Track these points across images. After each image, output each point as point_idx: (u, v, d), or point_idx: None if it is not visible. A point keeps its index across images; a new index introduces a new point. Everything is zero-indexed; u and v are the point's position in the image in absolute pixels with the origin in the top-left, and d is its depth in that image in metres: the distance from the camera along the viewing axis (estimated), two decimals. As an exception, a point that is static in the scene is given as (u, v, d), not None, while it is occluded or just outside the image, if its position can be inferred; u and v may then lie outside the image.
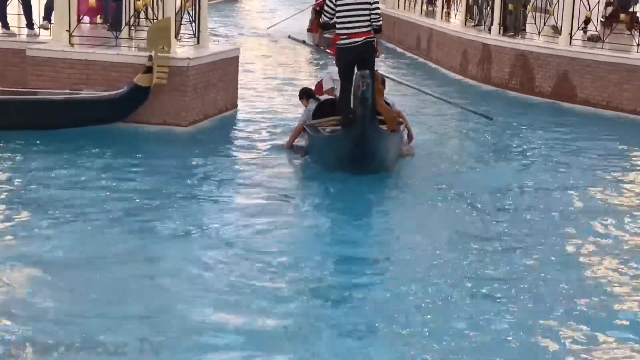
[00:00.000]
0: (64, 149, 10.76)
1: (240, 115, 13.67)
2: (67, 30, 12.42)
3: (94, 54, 12.17)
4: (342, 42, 10.17)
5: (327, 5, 10.27)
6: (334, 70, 11.09)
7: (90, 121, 11.67)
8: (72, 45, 12.43)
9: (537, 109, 15.50)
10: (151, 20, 12.92)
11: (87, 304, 6.31)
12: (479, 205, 9.25)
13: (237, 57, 13.99)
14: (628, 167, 11.44)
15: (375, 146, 9.91)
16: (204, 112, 12.55)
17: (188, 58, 12.03)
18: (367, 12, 10.11)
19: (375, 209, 9.36)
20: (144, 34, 12.74)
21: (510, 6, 17.64)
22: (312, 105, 11.45)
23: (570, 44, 15.85)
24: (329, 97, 11.42)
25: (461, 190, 9.74)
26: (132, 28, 13.19)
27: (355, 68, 9.90)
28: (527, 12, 17.89)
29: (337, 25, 10.21)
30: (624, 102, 14.67)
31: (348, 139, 9.73)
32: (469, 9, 20.17)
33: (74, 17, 12.59)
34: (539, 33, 16.91)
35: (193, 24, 13.14)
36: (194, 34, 13.10)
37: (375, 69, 10.30)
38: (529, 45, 16.76)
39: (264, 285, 6.77)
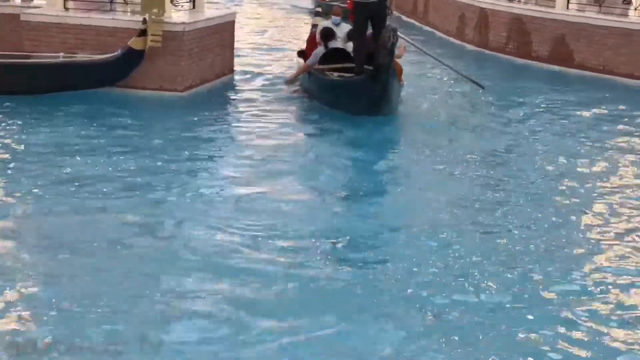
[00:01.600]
0: (59, 113, 10.81)
1: (236, 80, 13.65)
2: (61, -5, 12.40)
3: (89, 19, 12.14)
4: None
5: None
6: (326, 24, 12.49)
7: (86, 84, 11.68)
8: (66, 9, 12.40)
9: (531, 73, 15.48)
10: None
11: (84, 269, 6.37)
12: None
13: (233, 21, 13.95)
14: (615, 131, 11.47)
15: (392, 92, 11.17)
16: (200, 77, 12.53)
17: (184, 23, 12.00)
18: None
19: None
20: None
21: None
22: (321, 50, 12.22)
23: (567, 7, 15.80)
24: (338, 46, 12.24)
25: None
26: (127, -7, 13.13)
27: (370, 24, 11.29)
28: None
29: None
30: (620, 67, 14.66)
31: (372, 84, 10.79)
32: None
33: (69, -18, 12.55)
34: (536, -4, 16.88)
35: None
36: (190, -1, 13.06)
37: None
38: (525, 9, 16.71)
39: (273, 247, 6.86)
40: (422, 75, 14.67)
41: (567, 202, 8.38)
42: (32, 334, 5.37)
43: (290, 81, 12.89)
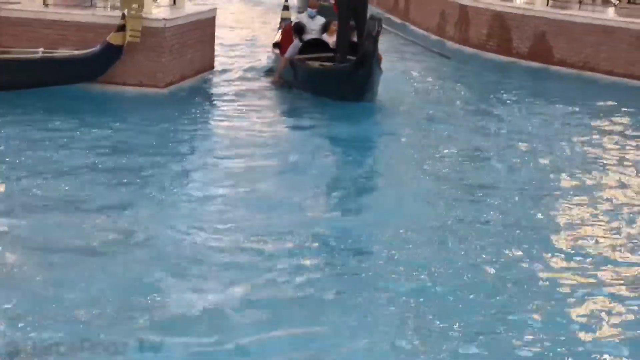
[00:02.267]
0: (37, 109, 10.75)
1: (217, 75, 13.63)
2: (42, -10, 12.33)
3: (69, 14, 12.08)
4: None
5: None
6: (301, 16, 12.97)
7: (65, 80, 11.62)
8: (46, 5, 12.33)
9: (511, 69, 15.53)
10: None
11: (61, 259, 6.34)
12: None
13: (214, 17, 13.91)
14: (593, 127, 11.53)
15: (376, 79, 11.68)
16: (180, 73, 12.49)
17: (164, 19, 11.95)
18: None
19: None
20: (119, -5, 12.66)
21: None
22: (298, 42, 12.71)
23: (547, 4, 15.86)
24: (313, 37, 12.79)
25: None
26: (108, -12, 13.08)
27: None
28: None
29: None
30: (601, 63, 14.72)
31: (359, 71, 11.29)
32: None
33: (49, -23, 12.49)
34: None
35: (170, -15, 13.05)
36: (171, -5, 13.02)
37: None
38: (506, 6, 16.75)
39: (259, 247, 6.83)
40: (399, 60, 14.79)
41: (544, 194, 8.47)
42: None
43: (276, 79, 13.08)
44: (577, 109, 12.44)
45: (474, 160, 9.63)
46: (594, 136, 10.97)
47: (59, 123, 10.17)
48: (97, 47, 11.60)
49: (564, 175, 9.17)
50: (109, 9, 12.52)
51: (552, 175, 9.10)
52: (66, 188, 7.95)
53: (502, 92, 13.67)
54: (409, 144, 10.25)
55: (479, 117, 11.82)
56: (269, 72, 13.78)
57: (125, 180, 8.30)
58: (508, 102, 12.96)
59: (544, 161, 9.67)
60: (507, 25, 16.46)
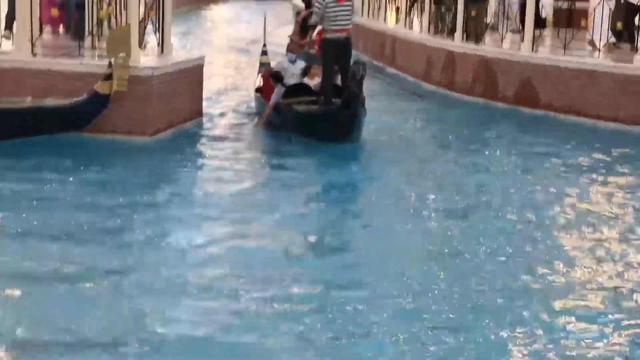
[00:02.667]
0: (24, 160, 10.72)
1: (205, 123, 13.67)
2: (29, 40, 12.34)
3: (57, 64, 12.12)
4: (330, 36, 12.37)
5: (318, 5, 12.30)
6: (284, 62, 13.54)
7: (51, 129, 11.60)
8: (34, 55, 12.36)
9: (497, 114, 15.61)
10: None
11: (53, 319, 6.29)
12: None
13: (202, 65, 13.97)
14: (580, 169, 11.58)
15: (361, 119, 12.15)
16: (168, 121, 12.52)
17: (152, 67, 12.01)
18: (350, 12, 12.43)
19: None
20: (107, 44, 12.71)
21: (472, 12, 17.77)
22: (281, 88, 13.02)
23: (532, 50, 15.98)
24: (296, 82, 13.21)
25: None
26: (95, 37, 13.13)
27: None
28: (490, 18, 18.01)
29: (326, 22, 12.35)
30: (587, 107, 14.78)
31: (345, 113, 11.74)
32: (431, 17, 20.21)
33: (37, 27, 12.52)
34: (502, 39, 17.05)
35: (157, 33, 13.09)
36: (158, 43, 13.06)
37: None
38: (491, 52, 16.88)
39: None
40: (385, 102, 14.97)
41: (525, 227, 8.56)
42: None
43: (263, 123, 13.30)
44: (562, 152, 12.48)
45: (459, 211, 9.55)
46: (581, 180, 10.97)
47: (46, 172, 10.14)
48: (84, 96, 11.61)
49: (553, 224, 9.12)
50: (97, 58, 12.56)
51: (540, 228, 9.01)
52: (52, 241, 7.90)
53: (487, 136, 13.72)
54: (396, 190, 10.23)
55: (464, 161, 11.86)
56: (253, 116, 14.01)
57: (111, 229, 8.27)
58: (494, 146, 13.01)
59: (531, 211, 9.62)
60: (492, 70, 16.58)
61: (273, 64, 14.70)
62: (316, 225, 8.83)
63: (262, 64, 15.58)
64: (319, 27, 12.93)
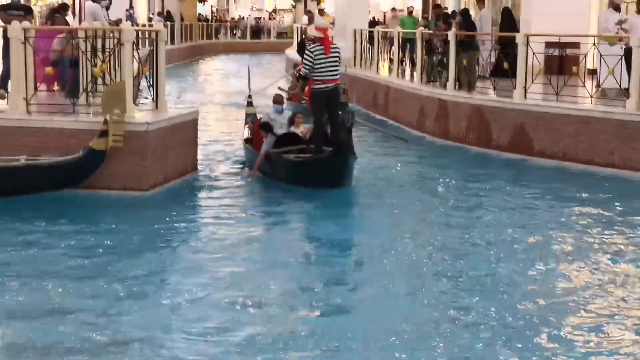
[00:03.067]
0: (21, 216, 10.71)
1: (201, 176, 13.68)
2: (24, 98, 12.40)
3: (52, 122, 12.17)
4: (318, 86, 12.84)
5: (307, 58, 12.77)
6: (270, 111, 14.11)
7: (48, 187, 11.61)
8: (29, 113, 12.41)
9: (491, 162, 15.64)
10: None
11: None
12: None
13: (196, 119, 14.02)
14: (575, 216, 11.57)
15: (352, 165, 12.61)
16: (164, 175, 12.53)
17: (147, 122, 12.04)
18: (337, 63, 12.91)
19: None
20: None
21: (464, 61, 17.89)
22: (271, 137, 13.42)
23: (524, 97, 16.07)
24: (285, 131, 13.72)
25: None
26: (90, 94, 13.19)
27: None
28: (481, 66, 18.14)
29: (315, 74, 12.81)
30: (580, 154, 14.84)
31: (336, 160, 12.24)
32: (423, 66, 20.33)
33: (31, 85, 12.59)
34: (494, 87, 17.16)
35: (151, 89, 13.15)
36: (153, 99, 13.12)
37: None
38: (484, 100, 16.97)
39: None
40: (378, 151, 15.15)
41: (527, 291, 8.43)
42: None
43: (254, 173, 13.58)
44: (556, 199, 12.48)
45: (454, 256, 9.58)
46: (575, 226, 10.98)
47: (42, 230, 10.15)
48: (80, 153, 11.64)
49: (548, 271, 9.11)
50: (91, 115, 12.60)
51: (535, 273, 9.03)
52: (49, 295, 7.91)
53: (482, 184, 13.72)
54: (389, 238, 10.25)
55: (458, 208, 11.89)
56: (244, 167, 14.34)
57: (109, 286, 8.25)
58: (488, 194, 13.00)
59: (526, 255, 9.63)
60: (486, 118, 16.66)
61: (260, 115, 15.16)
62: (313, 281, 8.79)
63: (248, 115, 16.09)
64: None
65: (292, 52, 24.32)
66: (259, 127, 13.89)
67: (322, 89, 12.83)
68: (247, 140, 14.75)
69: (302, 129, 13.69)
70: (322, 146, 12.79)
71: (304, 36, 20.77)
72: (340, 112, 12.34)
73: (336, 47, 13.13)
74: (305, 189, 12.40)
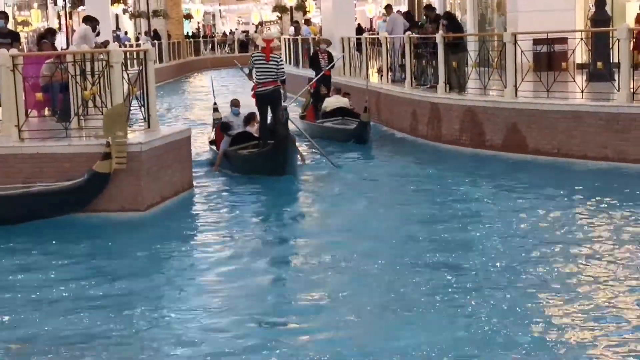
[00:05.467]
0: (19, 242, 10.71)
1: (197, 194, 13.68)
2: (16, 126, 12.40)
3: (45, 147, 12.17)
4: (260, 89, 14.83)
5: (250, 63, 15.07)
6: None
7: (52, 212, 11.59)
8: (22, 139, 12.40)
9: (485, 162, 15.63)
10: (100, 109, 12.93)
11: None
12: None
13: (189, 137, 14.02)
14: (574, 211, 11.59)
15: (293, 155, 14.58)
16: (160, 194, 12.52)
17: (140, 142, 12.03)
18: (275, 69, 14.81)
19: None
20: (93, 123, 12.80)
21: (454, 63, 17.91)
22: (227, 138, 15.58)
23: (515, 96, 16.09)
24: (239, 130, 15.78)
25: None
26: (81, 118, 13.18)
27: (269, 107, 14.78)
28: (471, 68, 18.17)
29: (257, 78, 14.88)
30: (574, 149, 14.86)
31: (278, 150, 14.05)
32: (413, 70, 20.31)
33: (22, 112, 12.58)
34: (485, 88, 17.19)
35: (142, 109, 13.15)
36: (144, 118, 13.11)
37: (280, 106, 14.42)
38: (476, 101, 16.99)
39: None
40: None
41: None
42: None
43: (216, 168, 15.55)
44: (554, 195, 12.50)
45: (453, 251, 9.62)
46: (578, 222, 11.00)
47: (42, 256, 10.13)
48: (84, 177, 11.61)
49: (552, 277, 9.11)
50: (84, 138, 12.60)
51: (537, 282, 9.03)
52: (51, 321, 7.91)
53: (478, 184, 13.74)
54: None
55: (457, 214, 11.88)
56: (209, 164, 15.89)
57: (110, 309, 8.24)
58: (485, 194, 13.03)
59: (528, 254, 9.66)
60: (478, 119, 16.67)
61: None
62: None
63: (214, 120, 17.86)
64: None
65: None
66: (219, 129, 15.93)
67: (262, 91, 14.77)
68: (211, 142, 16.55)
69: (256, 128, 15.57)
70: (268, 139, 14.57)
71: (316, 48, 21.05)
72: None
73: (275, 56, 15.16)
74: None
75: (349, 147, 17.85)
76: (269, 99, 14.75)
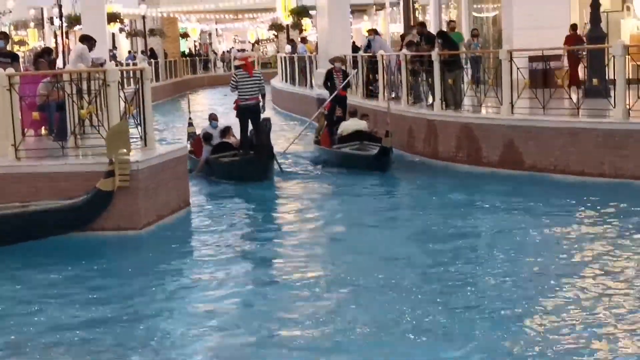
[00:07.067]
0: (13, 263, 10.66)
1: (194, 212, 13.65)
2: (12, 145, 12.38)
3: (42, 166, 12.15)
4: (242, 103, 16.32)
5: (232, 80, 16.63)
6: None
7: (54, 231, 11.56)
8: (18, 159, 12.38)
9: (482, 179, 15.61)
10: (96, 128, 12.91)
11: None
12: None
13: (185, 155, 14.02)
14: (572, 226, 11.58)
15: (271, 163, 16.09)
16: (157, 213, 12.49)
17: (137, 161, 12.01)
18: (257, 84, 16.42)
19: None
20: (90, 142, 12.78)
21: (449, 80, 17.93)
22: (208, 147, 17.08)
23: (512, 112, 16.10)
24: (219, 141, 17.32)
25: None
26: (78, 137, 13.16)
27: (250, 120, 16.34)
28: (466, 85, 18.20)
29: (239, 93, 16.36)
30: (571, 165, 14.86)
31: (259, 158, 15.69)
32: (409, 88, 20.31)
33: (19, 131, 12.57)
34: (481, 104, 17.20)
35: (139, 127, 13.14)
36: (141, 137, 13.10)
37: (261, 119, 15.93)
38: (472, 117, 17.01)
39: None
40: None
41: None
42: None
43: (197, 173, 16.67)
44: (551, 212, 12.50)
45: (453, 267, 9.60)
46: (578, 241, 10.98)
47: (40, 276, 10.08)
48: (87, 195, 11.59)
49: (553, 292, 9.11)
50: (80, 157, 12.59)
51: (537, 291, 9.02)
52: (44, 340, 7.89)
53: (475, 202, 13.74)
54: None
55: (453, 230, 11.86)
56: (191, 171, 15.85)
57: (104, 329, 8.21)
58: (483, 212, 13.03)
59: (526, 270, 9.64)
60: (475, 135, 16.68)
61: (198, 131, 18.56)
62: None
63: (189, 133, 19.06)
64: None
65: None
66: (202, 138, 17.38)
67: (245, 105, 16.29)
68: (190, 152, 17.16)
69: (233, 139, 17.22)
70: (248, 149, 16.15)
71: (332, 66, 19.88)
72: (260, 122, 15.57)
73: (258, 73, 16.78)
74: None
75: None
76: (250, 111, 16.31)
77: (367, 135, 18.36)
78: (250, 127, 16.41)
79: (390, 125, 17.10)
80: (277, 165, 16.72)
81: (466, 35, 25.14)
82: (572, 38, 20.98)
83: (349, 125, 18.56)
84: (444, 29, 25.70)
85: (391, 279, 9.52)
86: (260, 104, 16.54)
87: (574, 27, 21.48)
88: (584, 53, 18.13)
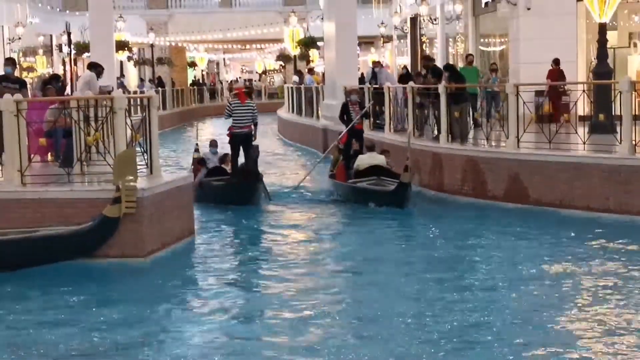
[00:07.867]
0: (15, 289, 10.62)
1: (198, 240, 13.63)
2: (18, 171, 12.40)
3: (47, 192, 12.16)
4: (235, 131, 17.22)
5: (227, 108, 17.65)
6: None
7: (59, 257, 11.55)
8: (24, 185, 12.40)
9: (487, 212, 15.57)
10: (102, 155, 12.94)
11: None
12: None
13: (191, 183, 14.01)
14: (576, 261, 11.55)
15: (259, 188, 16.72)
16: (161, 241, 12.48)
17: (142, 188, 12.02)
18: (250, 113, 17.29)
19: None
20: (96, 169, 12.79)
21: (456, 113, 17.95)
22: (204, 170, 17.94)
23: (518, 146, 16.11)
24: (215, 165, 18.17)
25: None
26: (84, 163, 13.18)
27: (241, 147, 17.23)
28: (473, 118, 18.23)
29: (233, 120, 17.21)
30: (576, 200, 14.83)
31: (248, 183, 16.53)
32: (415, 121, 20.32)
33: (25, 157, 12.59)
34: (487, 138, 17.21)
35: (145, 155, 13.15)
36: (147, 165, 13.11)
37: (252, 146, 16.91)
38: (478, 151, 17.01)
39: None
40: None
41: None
42: None
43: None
44: (557, 247, 12.47)
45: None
46: (584, 278, 10.91)
47: (41, 302, 10.06)
48: (94, 221, 11.59)
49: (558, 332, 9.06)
50: (86, 184, 12.60)
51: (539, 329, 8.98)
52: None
53: (479, 236, 13.71)
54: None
55: (455, 265, 11.81)
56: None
57: (106, 357, 8.19)
58: (486, 245, 13.00)
59: (526, 307, 9.60)
60: (480, 169, 16.68)
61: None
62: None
63: (194, 159, 19.28)
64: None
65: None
66: (197, 162, 18.38)
67: (238, 133, 17.18)
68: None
69: (230, 167, 17.75)
70: (239, 174, 16.96)
71: (347, 99, 19.58)
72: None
73: (251, 103, 17.57)
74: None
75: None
76: (241, 139, 17.21)
77: (385, 171, 17.80)
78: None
79: (393, 157, 17.05)
80: (263, 191, 17.03)
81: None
82: (555, 72, 21.09)
83: (366, 159, 18.02)
84: (460, 63, 25.76)
85: (400, 311, 9.50)
86: (252, 132, 17.30)
87: (556, 61, 21.53)
88: (565, 87, 18.32)
